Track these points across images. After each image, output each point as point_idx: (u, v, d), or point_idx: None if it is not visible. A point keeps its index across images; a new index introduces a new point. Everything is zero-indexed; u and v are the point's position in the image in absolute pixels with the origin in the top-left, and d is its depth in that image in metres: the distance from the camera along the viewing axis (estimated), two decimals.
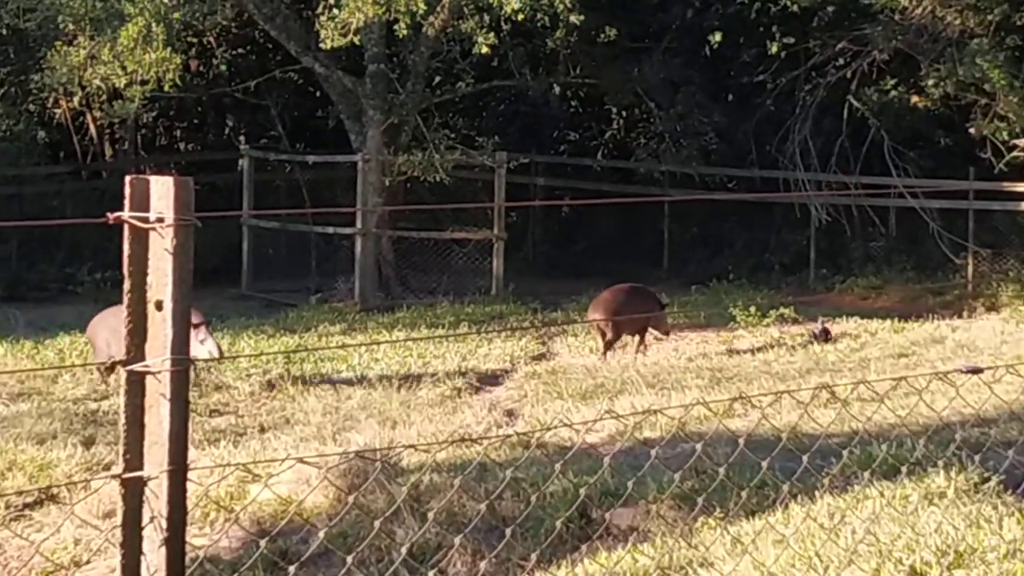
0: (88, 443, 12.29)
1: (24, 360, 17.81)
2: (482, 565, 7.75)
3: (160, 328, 3.98)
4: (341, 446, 11.42)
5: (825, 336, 19.16)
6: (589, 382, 15.66)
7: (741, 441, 6.32)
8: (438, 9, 24.49)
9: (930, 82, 26.08)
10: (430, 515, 8.21)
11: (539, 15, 24.14)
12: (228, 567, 8.13)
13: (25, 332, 20.27)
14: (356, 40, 23.35)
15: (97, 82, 24.94)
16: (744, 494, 7.77)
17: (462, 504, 8.77)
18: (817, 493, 7.91)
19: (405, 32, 23.43)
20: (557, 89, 32.82)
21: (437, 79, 30.00)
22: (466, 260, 26.40)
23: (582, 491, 7.88)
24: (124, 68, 23.71)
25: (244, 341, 19.31)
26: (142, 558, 4.01)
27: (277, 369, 16.53)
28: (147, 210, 3.98)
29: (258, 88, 29.62)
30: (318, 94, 31.58)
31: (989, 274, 26.11)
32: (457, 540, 7.72)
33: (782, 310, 20.91)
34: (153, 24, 23.36)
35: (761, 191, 29.05)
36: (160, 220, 3.96)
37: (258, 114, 32.53)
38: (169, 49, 23.66)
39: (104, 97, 27.24)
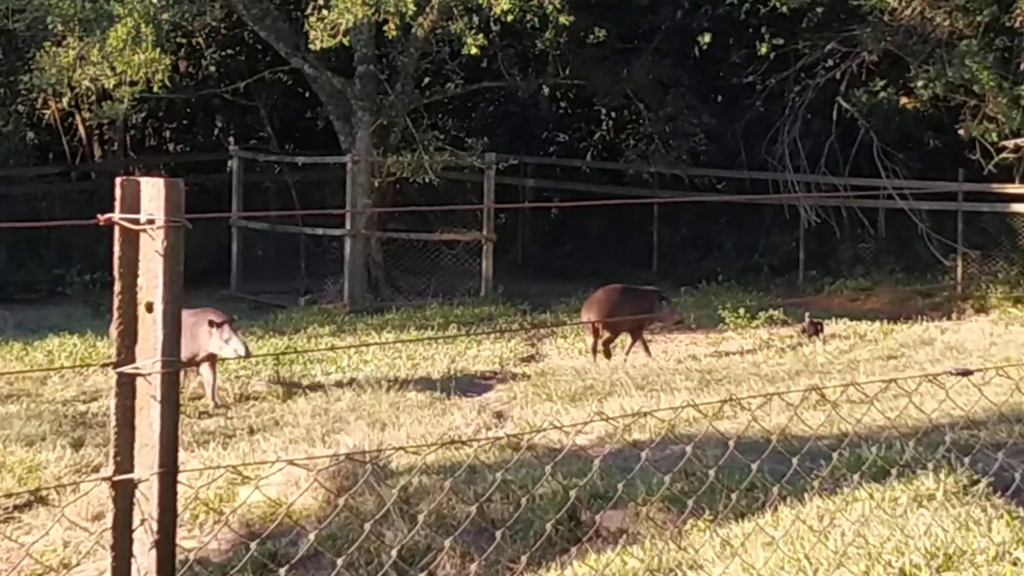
0: (77, 445, 12.26)
1: (13, 362, 17.78)
2: (472, 567, 7.75)
3: (151, 330, 3.97)
4: (330, 448, 11.41)
5: (815, 330, 19.18)
6: (578, 384, 15.66)
7: (731, 443, 6.32)
8: (427, 10, 24.48)
9: (919, 83, 26.11)
10: (420, 517, 8.19)
11: (528, 16, 24.16)
12: (218, 569, 8.13)
13: (14, 334, 20.23)
14: (345, 41, 23.34)
15: (86, 83, 24.89)
16: (734, 496, 7.77)
17: (452, 506, 8.76)
18: (807, 495, 7.91)
19: (394, 33, 23.45)
20: (546, 90, 32.89)
21: (426, 80, 30.01)
22: (455, 261, 26.40)
23: (572, 493, 7.88)
24: (113, 69, 23.69)
25: None
26: (132, 560, 4.00)
27: (266, 371, 16.53)
28: (138, 211, 3.97)
29: (247, 89, 29.62)
30: (307, 95, 31.59)
31: (978, 276, 26.14)
32: (447, 542, 7.71)
33: (771, 312, 20.93)
34: (142, 25, 23.34)
35: (750, 193, 29.14)
36: (151, 222, 3.95)
37: (247, 115, 32.51)
38: (158, 50, 23.65)
39: (93, 98, 27.19)
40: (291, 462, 7.66)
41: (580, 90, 31.92)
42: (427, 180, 25.32)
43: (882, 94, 27.96)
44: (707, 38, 27.35)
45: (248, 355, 14.98)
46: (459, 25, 23.69)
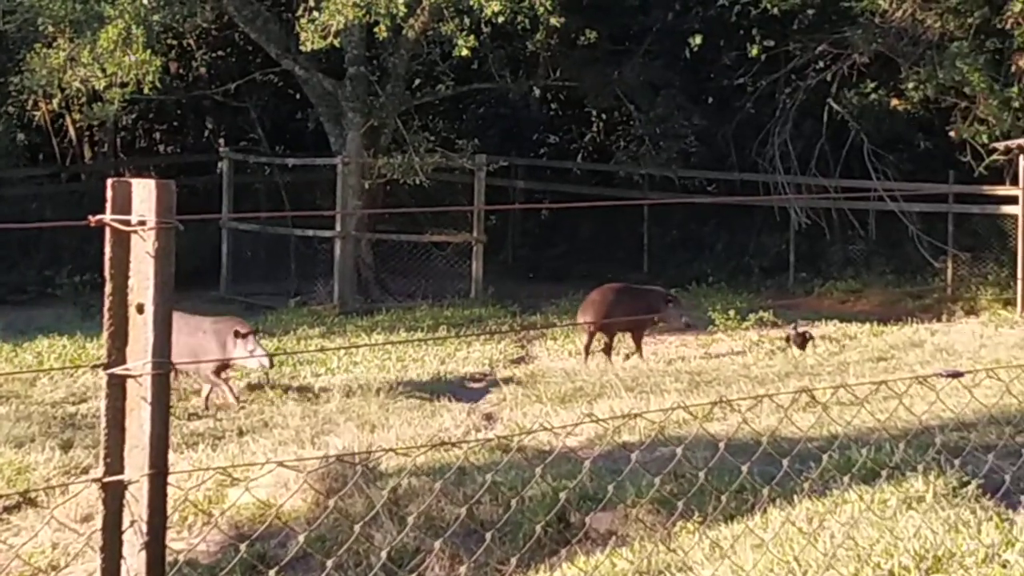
0: (66, 447, 12.24)
1: (2, 363, 17.76)
2: (461, 569, 7.74)
3: (141, 331, 3.97)
4: (320, 450, 11.39)
5: (802, 340, 18.75)
6: (568, 385, 15.65)
7: (721, 445, 6.34)
8: (418, 12, 24.48)
9: (910, 85, 26.14)
10: (409, 519, 8.20)
11: (519, 17, 24.14)
12: (207, 571, 8.12)
13: (3, 335, 20.22)
14: (336, 43, 23.34)
15: (77, 84, 24.86)
16: (723, 498, 7.77)
17: (441, 508, 8.75)
18: (796, 497, 7.91)
19: (385, 35, 23.44)
20: (537, 92, 32.91)
21: (417, 82, 30.01)
22: (445, 263, 26.40)
23: (561, 495, 7.89)
24: (104, 70, 23.68)
25: None
26: (122, 562, 3.99)
27: (256, 373, 16.52)
28: (129, 213, 3.96)
29: (238, 90, 29.59)
30: (298, 97, 31.57)
31: (968, 277, 26.18)
32: (436, 544, 7.71)
33: (761, 313, 20.96)
34: (133, 26, 23.32)
35: (741, 194, 29.16)
36: (142, 223, 3.94)
37: (238, 116, 32.49)
38: (149, 51, 23.63)
39: (84, 99, 27.17)
40: (281, 464, 7.65)
41: (571, 92, 31.91)
42: (417, 182, 25.32)
43: (873, 96, 28.00)
44: (698, 40, 27.35)
45: (271, 366, 15.17)
46: (450, 27, 23.69)
